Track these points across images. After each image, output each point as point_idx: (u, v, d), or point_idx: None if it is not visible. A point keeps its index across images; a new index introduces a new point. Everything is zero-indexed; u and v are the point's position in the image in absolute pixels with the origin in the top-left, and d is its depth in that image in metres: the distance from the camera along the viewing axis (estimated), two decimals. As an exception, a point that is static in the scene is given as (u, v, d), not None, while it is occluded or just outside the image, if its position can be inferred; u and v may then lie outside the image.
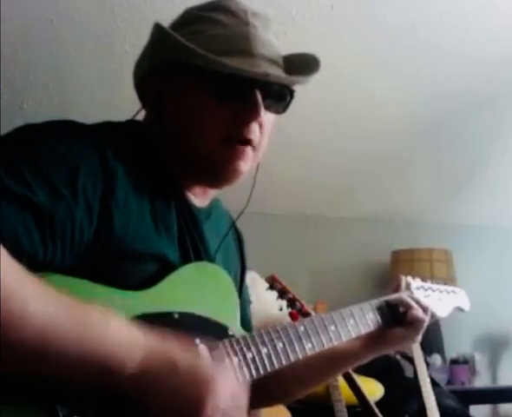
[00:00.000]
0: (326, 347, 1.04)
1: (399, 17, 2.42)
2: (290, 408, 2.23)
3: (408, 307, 1.20)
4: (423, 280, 1.38)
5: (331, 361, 1.20)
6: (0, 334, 0.65)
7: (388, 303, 1.21)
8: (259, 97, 0.95)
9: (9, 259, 0.69)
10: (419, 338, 1.23)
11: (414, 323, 1.19)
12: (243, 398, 0.82)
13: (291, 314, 2.12)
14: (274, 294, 2.07)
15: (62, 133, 0.87)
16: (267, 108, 0.98)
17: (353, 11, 2.36)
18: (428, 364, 2.90)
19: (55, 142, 0.84)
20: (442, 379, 3.14)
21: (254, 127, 0.97)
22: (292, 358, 0.97)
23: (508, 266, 3.74)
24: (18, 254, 0.71)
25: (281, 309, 2.11)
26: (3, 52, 2.23)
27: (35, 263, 0.75)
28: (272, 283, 2.07)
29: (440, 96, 2.87)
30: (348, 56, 2.53)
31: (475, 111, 3.00)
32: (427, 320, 1.20)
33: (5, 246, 0.70)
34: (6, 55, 2.26)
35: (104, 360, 0.71)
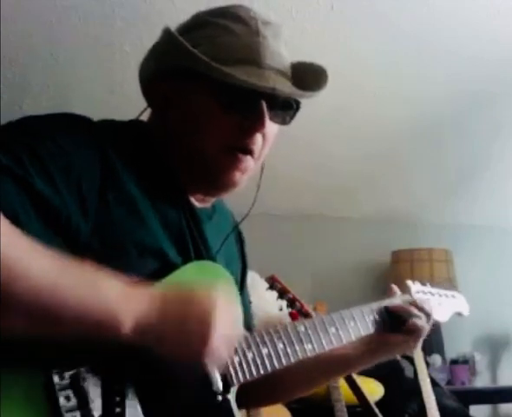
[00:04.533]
0: (327, 348, 1.05)
1: (399, 17, 2.42)
2: (290, 408, 2.23)
3: (409, 314, 1.19)
4: (423, 283, 1.38)
5: (333, 364, 1.20)
6: (1, 291, 0.66)
7: (388, 309, 1.20)
8: (265, 109, 0.95)
9: (5, 220, 0.70)
10: (420, 344, 1.22)
11: (415, 331, 1.18)
12: (240, 324, 0.86)
13: (291, 314, 2.12)
14: (274, 294, 2.07)
15: (64, 125, 0.88)
16: (273, 118, 0.98)
17: (353, 11, 2.36)
18: (428, 364, 2.90)
19: (57, 133, 0.85)
20: (442, 379, 3.14)
21: (258, 138, 0.97)
22: (293, 359, 0.97)
23: (508, 266, 3.74)
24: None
25: (281, 309, 2.11)
26: (2, 52, 2.23)
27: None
28: (272, 283, 2.07)
29: (440, 97, 2.87)
30: (348, 57, 2.53)
31: (475, 111, 3.00)
32: (428, 327, 1.19)
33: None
34: (6, 55, 2.26)
35: (104, 309, 0.73)
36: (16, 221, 0.73)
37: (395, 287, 1.28)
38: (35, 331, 0.70)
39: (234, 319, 0.84)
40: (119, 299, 0.75)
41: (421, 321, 1.18)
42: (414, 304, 1.22)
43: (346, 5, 2.34)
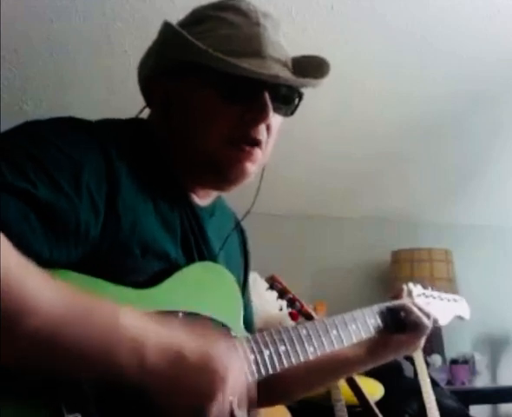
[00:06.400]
0: (328, 350, 1.05)
1: (399, 17, 2.42)
2: (290, 408, 2.23)
3: (411, 312, 1.20)
4: (424, 286, 1.38)
5: (334, 366, 1.20)
6: (7, 325, 0.64)
7: (390, 309, 1.21)
8: (269, 99, 0.94)
9: (13, 251, 0.67)
10: (422, 344, 1.23)
11: (417, 328, 1.19)
12: (249, 388, 0.82)
13: (291, 314, 2.12)
14: (274, 294, 2.07)
15: (67, 130, 0.87)
16: (275, 110, 0.97)
17: (353, 11, 2.36)
18: (428, 364, 2.90)
19: (60, 139, 0.84)
20: (442, 379, 3.14)
21: (262, 128, 0.96)
22: (294, 361, 0.97)
23: (508, 266, 3.74)
24: (24, 250, 0.69)
25: (281, 309, 2.11)
26: (2, 52, 2.23)
27: (41, 260, 0.73)
28: (272, 283, 2.07)
29: (440, 97, 2.87)
30: (348, 57, 2.53)
31: (475, 111, 3.00)
32: (430, 326, 1.20)
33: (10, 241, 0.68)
34: (6, 55, 2.26)
35: (112, 352, 0.71)
36: (21, 240, 0.71)
37: (404, 288, 1.28)
38: (41, 364, 0.69)
39: (243, 384, 0.81)
40: (131, 341, 0.72)
41: (423, 318, 1.19)
42: (414, 305, 1.23)
43: (346, 5, 2.34)
